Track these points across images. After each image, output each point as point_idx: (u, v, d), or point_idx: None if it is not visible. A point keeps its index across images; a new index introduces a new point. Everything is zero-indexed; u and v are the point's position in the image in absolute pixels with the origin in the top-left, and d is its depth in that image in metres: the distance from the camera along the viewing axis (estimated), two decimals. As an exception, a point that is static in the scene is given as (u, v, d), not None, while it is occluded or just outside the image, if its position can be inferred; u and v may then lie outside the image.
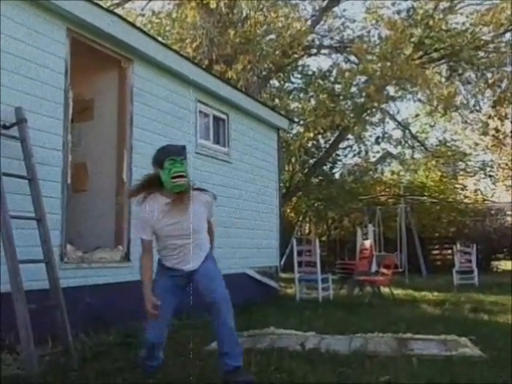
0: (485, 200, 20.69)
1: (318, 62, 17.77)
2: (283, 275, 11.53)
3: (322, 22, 16.75)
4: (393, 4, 16.03)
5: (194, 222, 3.32)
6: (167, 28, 16.97)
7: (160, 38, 15.73)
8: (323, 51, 17.21)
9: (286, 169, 18.27)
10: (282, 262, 11.74)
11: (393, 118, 19.46)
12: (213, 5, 13.70)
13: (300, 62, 17.95)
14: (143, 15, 17.18)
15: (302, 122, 16.27)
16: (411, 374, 3.66)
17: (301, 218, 21.38)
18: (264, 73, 15.80)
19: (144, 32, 6.72)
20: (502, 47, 15.51)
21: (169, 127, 6.90)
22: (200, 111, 7.75)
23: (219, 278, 3.44)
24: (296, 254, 9.58)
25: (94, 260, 5.55)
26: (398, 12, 15.92)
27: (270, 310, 7.36)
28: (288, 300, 8.97)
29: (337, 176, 21.61)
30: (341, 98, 16.20)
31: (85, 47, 5.57)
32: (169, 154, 3.29)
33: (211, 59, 14.08)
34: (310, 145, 18.29)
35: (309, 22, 16.26)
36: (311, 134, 15.89)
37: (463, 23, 15.62)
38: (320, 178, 19.84)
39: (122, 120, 6.23)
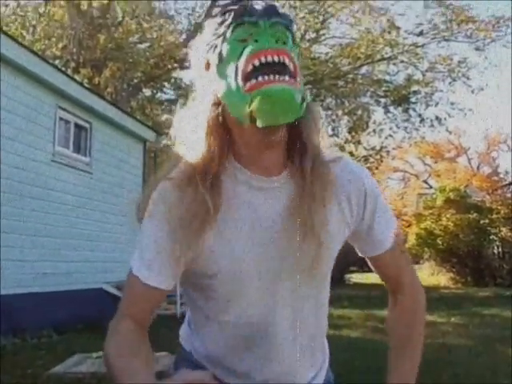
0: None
1: (191, 76, 17.85)
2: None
3: (196, 37, 16.89)
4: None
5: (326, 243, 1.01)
6: (33, 22, 15.96)
7: (24, 32, 14.79)
8: (196, 65, 17.33)
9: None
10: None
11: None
12: (84, 6, 13.19)
13: (174, 74, 17.92)
14: (7, 6, 15.99)
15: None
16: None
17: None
18: (135, 81, 15.52)
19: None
20: (359, 79, 16.94)
21: (23, 132, 6.49)
22: (60, 118, 7.40)
23: None
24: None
25: None
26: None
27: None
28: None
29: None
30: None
31: None
32: (238, 15, 0.96)
33: (78, 62, 13.50)
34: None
35: (183, 36, 16.33)
36: (179, 147, 15.84)
37: (326, 53, 16.79)
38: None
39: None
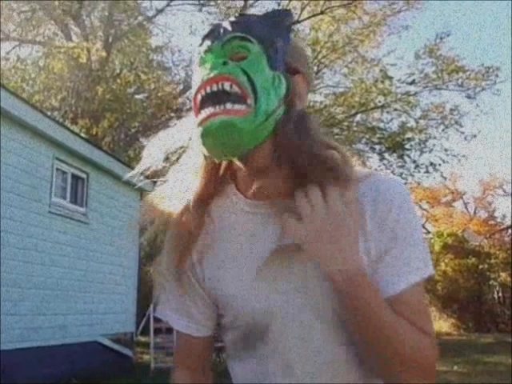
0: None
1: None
2: (143, 339, 11.08)
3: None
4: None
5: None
6: (32, 75, 16.31)
7: (24, 85, 15.08)
8: (193, 115, 17.65)
9: (150, 229, 17.97)
10: (142, 326, 11.31)
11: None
12: (82, 59, 13.52)
13: (171, 124, 18.15)
14: (7, 59, 16.38)
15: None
16: None
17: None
18: (132, 131, 15.72)
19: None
20: (354, 126, 17.20)
21: (20, 184, 6.50)
22: (57, 169, 7.44)
23: None
24: (153, 321, 9.31)
25: None
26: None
27: (120, 381, 6.98)
28: (143, 368, 8.59)
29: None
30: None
31: None
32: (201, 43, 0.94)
33: (77, 113, 13.71)
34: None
35: (181, 86, 16.68)
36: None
37: (321, 102, 17.10)
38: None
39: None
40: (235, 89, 0.84)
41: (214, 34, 0.90)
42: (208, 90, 0.84)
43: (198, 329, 1.00)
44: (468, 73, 16.34)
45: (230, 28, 0.89)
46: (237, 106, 0.83)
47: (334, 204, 0.83)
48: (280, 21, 0.92)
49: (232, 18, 0.91)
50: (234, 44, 0.88)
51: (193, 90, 0.88)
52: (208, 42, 0.90)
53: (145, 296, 11.04)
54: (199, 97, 0.86)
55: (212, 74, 0.85)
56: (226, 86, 0.84)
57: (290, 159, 0.87)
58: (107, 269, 8.63)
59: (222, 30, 0.89)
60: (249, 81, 0.84)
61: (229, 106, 0.83)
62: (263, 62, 0.86)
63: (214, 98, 0.84)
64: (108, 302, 8.62)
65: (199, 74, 0.88)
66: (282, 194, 0.90)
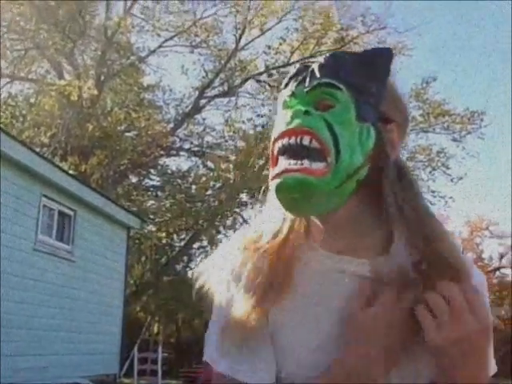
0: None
1: (177, 163, 18.26)
2: (126, 381, 10.77)
3: (184, 126, 17.43)
4: (249, 120, 17.39)
5: None
6: (23, 112, 16.38)
7: (14, 121, 15.11)
8: (182, 153, 17.74)
9: (137, 267, 17.77)
10: (126, 368, 11.01)
11: (246, 221, 20.25)
12: (74, 97, 13.61)
13: (160, 161, 18.25)
14: (-3, 97, 16.47)
15: (156, 220, 16.19)
16: None
17: (149, 318, 20.56)
18: (122, 168, 15.72)
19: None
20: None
21: (7, 221, 6.42)
22: (44, 205, 7.38)
23: None
24: (137, 363, 9.10)
25: None
26: (254, 127, 17.21)
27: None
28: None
29: (190, 275, 21.43)
30: (197, 199, 16.57)
31: None
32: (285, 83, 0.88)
33: (66, 150, 13.71)
34: (164, 242, 18.15)
35: (171, 125, 16.81)
36: (163, 234, 15.84)
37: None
38: (172, 276, 19.55)
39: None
40: (315, 144, 0.77)
41: (299, 76, 0.83)
42: (285, 141, 0.78)
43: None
44: (454, 116, 16.69)
45: (317, 73, 0.81)
46: (315, 165, 0.76)
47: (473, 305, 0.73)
48: (378, 62, 0.83)
49: (321, 59, 0.83)
50: (319, 91, 0.80)
51: (273, 133, 0.83)
52: (293, 85, 0.82)
53: (130, 336, 10.82)
54: (277, 146, 0.80)
55: (292, 125, 0.79)
56: (305, 140, 0.77)
57: (387, 213, 0.80)
58: (92, 308, 8.46)
59: (308, 75, 0.81)
60: (332, 135, 0.77)
61: (306, 163, 0.76)
62: (351, 113, 0.79)
63: (291, 151, 0.78)
64: (91, 342, 8.42)
65: (281, 119, 0.82)
66: (373, 248, 0.82)
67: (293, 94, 0.82)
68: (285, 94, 0.84)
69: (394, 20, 16.03)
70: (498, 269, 23.48)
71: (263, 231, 0.86)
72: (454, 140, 16.92)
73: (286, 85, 0.84)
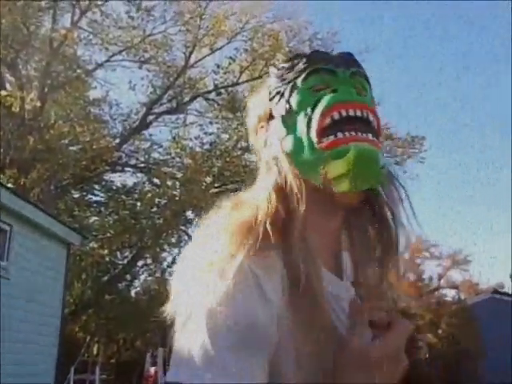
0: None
1: (123, 179, 17.85)
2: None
3: (130, 142, 17.16)
4: (196, 137, 17.34)
5: None
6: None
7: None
8: (128, 169, 17.44)
9: (77, 285, 17.19)
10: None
11: (190, 238, 20.02)
12: (15, 108, 13.16)
13: (105, 177, 17.84)
14: None
15: (99, 237, 15.77)
16: None
17: (89, 339, 19.87)
18: (64, 182, 15.26)
19: None
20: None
21: None
22: (-22, 220, 7.05)
23: None
24: (73, 384, 8.75)
25: None
26: (202, 144, 17.17)
27: None
28: None
29: (133, 294, 20.95)
30: (142, 216, 16.29)
31: None
32: (312, 61, 0.84)
33: (5, 162, 13.18)
34: (107, 259, 17.66)
35: (117, 140, 16.51)
36: (106, 251, 15.44)
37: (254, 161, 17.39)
38: (114, 295, 19.01)
39: None
40: (375, 123, 0.79)
41: (335, 59, 0.83)
42: (351, 113, 0.76)
43: None
44: (396, 140, 17.29)
45: (355, 59, 0.85)
46: (376, 141, 0.77)
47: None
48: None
49: (347, 53, 0.85)
50: (359, 79, 0.83)
51: (298, 106, 0.80)
52: (328, 65, 0.81)
53: (67, 357, 10.40)
54: (335, 116, 0.76)
55: (355, 99, 0.78)
56: (371, 116, 0.78)
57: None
58: (27, 327, 8.09)
59: (348, 59, 0.83)
60: None
61: (370, 137, 0.76)
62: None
63: (354, 124, 0.76)
64: (26, 364, 8.04)
65: (317, 94, 0.79)
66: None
67: (334, 72, 0.81)
68: (307, 67, 0.82)
69: (340, 46, 16.45)
70: (436, 289, 24.26)
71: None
72: (396, 163, 17.51)
73: (293, 59, 0.84)
